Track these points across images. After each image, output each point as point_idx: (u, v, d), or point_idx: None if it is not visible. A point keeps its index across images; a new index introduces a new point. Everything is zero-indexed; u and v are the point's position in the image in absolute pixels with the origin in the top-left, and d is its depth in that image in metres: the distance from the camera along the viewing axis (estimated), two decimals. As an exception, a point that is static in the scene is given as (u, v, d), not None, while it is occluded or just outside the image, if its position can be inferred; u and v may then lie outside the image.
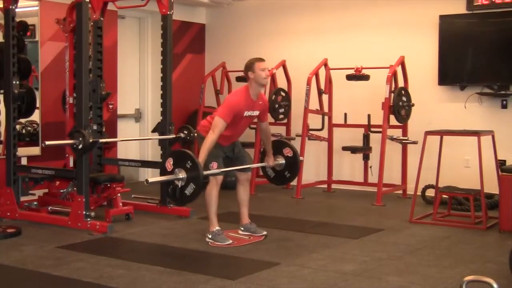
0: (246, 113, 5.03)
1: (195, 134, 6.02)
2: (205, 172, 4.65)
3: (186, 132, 6.25)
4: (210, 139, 4.81)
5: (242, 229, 5.30)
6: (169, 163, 4.61)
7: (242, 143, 5.46)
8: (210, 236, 5.02)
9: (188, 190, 4.56)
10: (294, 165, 5.36)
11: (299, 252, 4.79)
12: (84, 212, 5.45)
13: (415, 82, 7.35)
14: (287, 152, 5.34)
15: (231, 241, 4.99)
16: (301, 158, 5.53)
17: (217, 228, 5.04)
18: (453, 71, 7.36)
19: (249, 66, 5.03)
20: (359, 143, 7.50)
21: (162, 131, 6.23)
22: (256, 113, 5.13)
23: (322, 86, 7.58)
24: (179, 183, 4.56)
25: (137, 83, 8.69)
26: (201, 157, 4.71)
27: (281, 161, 5.35)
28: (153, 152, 8.37)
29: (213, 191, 5.02)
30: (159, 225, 5.77)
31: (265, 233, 5.25)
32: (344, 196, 7.57)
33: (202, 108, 8.41)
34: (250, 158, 5.27)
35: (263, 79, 5.02)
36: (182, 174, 4.55)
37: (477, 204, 5.95)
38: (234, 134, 5.13)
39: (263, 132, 5.34)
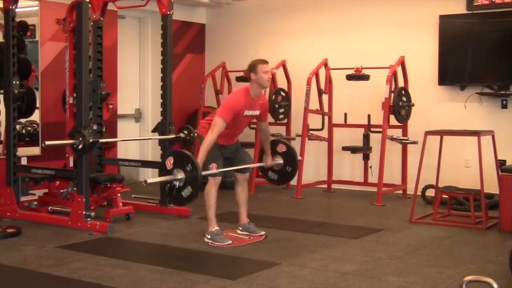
0: (247, 113, 5.03)
1: (195, 135, 6.04)
2: (204, 173, 4.67)
3: (186, 132, 6.24)
4: (209, 138, 4.82)
5: (241, 228, 5.31)
6: (169, 162, 4.62)
7: (242, 143, 5.46)
8: (209, 237, 5.03)
9: (185, 192, 4.58)
10: (291, 158, 5.37)
11: (299, 252, 4.79)
12: (84, 212, 5.44)
13: (415, 82, 7.35)
14: (280, 148, 5.38)
15: (230, 241, 4.99)
16: (299, 157, 5.53)
17: (216, 228, 5.04)
18: (453, 71, 7.36)
19: (252, 67, 5.03)
20: (359, 143, 7.50)
21: (162, 131, 6.23)
22: (257, 112, 5.13)
23: (322, 86, 7.58)
24: (177, 184, 4.57)
25: (137, 83, 8.69)
26: (200, 157, 4.72)
27: (279, 160, 5.37)
28: (153, 152, 8.37)
29: (212, 191, 5.02)
30: (159, 225, 5.77)
31: (263, 233, 5.25)
32: (344, 196, 7.57)
33: (202, 108, 8.41)
34: (249, 157, 5.29)
35: (265, 81, 5.03)
36: (180, 175, 4.56)
37: (477, 204, 5.95)
38: (234, 133, 5.13)
39: (263, 132, 5.34)
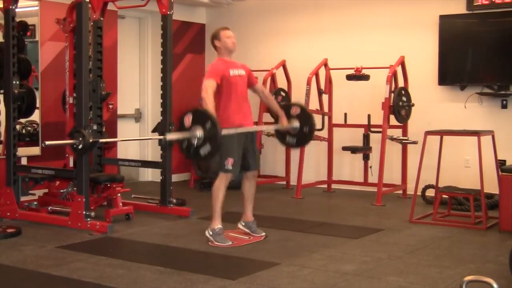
0: (232, 72, 5.01)
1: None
2: (224, 132, 4.55)
3: (186, 132, 6.24)
4: (206, 97, 4.76)
5: (243, 224, 5.26)
6: (188, 119, 4.51)
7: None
8: (210, 233, 4.99)
9: (203, 150, 4.48)
10: (307, 118, 5.30)
11: (299, 252, 4.79)
12: (84, 212, 5.44)
13: (415, 82, 7.35)
14: (295, 110, 5.30)
15: (230, 243, 4.97)
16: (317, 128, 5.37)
17: (219, 226, 4.99)
18: (453, 71, 7.36)
19: (215, 35, 5.12)
20: (359, 143, 7.50)
21: (162, 131, 6.23)
22: (243, 72, 5.11)
23: (322, 86, 7.58)
24: (196, 142, 4.48)
25: (137, 83, 8.69)
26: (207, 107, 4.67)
27: (296, 123, 5.27)
28: (153, 152, 8.37)
29: (221, 186, 4.98)
30: (159, 225, 5.77)
31: (263, 233, 5.24)
32: (344, 196, 7.57)
33: (202, 108, 8.40)
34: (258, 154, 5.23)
35: (231, 45, 5.08)
36: (199, 133, 4.46)
37: (477, 204, 5.95)
38: (238, 100, 5.03)
39: (262, 95, 5.34)
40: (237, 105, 5.03)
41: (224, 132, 4.62)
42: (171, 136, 4.52)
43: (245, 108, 5.12)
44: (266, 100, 5.39)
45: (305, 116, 5.32)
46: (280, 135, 5.47)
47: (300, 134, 5.33)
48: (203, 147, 4.48)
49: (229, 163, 4.92)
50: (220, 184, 4.99)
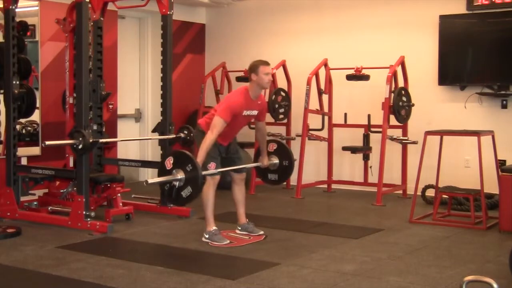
0: (245, 113, 5.04)
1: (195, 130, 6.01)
2: (204, 172, 4.66)
3: (186, 132, 6.25)
4: (209, 139, 4.82)
5: (240, 228, 5.32)
6: (169, 162, 4.62)
7: (241, 143, 5.47)
8: (207, 236, 5.03)
9: (185, 192, 4.57)
10: (284, 152, 5.39)
11: (299, 252, 4.79)
12: (84, 212, 5.44)
13: (415, 82, 7.35)
14: (272, 147, 5.41)
15: (228, 241, 4.99)
16: (295, 158, 5.52)
17: (214, 228, 5.04)
18: (453, 71, 7.36)
19: (254, 68, 5.01)
20: (359, 143, 7.50)
21: (162, 131, 6.23)
22: (255, 112, 5.14)
23: (322, 86, 7.58)
24: (177, 184, 4.56)
25: (137, 83, 8.69)
26: (200, 157, 4.73)
27: (275, 160, 5.39)
28: (153, 152, 8.38)
29: (210, 191, 5.02)
30: (159, 225, 5.77)
31: (262, 232, 5.25)
32: (344, 196, 7.57)
33: (202, 108, 8.40)
34: (248, 156, 5.27)
35: (266, 83, 5.04)
36: (180, 175, 4.55)
37: (477, 204, 5.95)
38: (232, 132, 5.14)
39: (259, 132, 5.35)
40: (230, 132, 5.11)
41: (205, 172, 4.73)
42: (153, 180, 4.61)
43: (235, 132, 5.22)
44: (261, 136, 5.37)
45: (283, 150, 5.40)
46: (261, 173, 5.53)
47: (281, 169, 5.41)
48: (185, 190, 4.56)
49: (212, 167, 4.95)
50: (208, 189, 5.02)
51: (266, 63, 5.04)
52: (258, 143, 5.48)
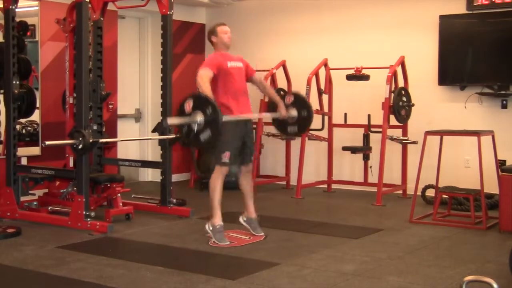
0: (230, 64, 5.04)
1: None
2: (225, 118, 4.53)
3: (186, 132, 6.24)
4: (202, 83, 4.76)
5: (245, 219, 5.27)
6: (189, 105, 4.48)
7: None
8: (211, 229, 5.00)
9: (204, 136, 4.46)
10: (302, 102, 5.33)
11: (299, 252, 4.79)
12: (84, 212, 5.44)
13: (415, 82, 7.35)
14: (288, 99, 5.33)
15: (228, 242, 4.97)
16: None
17: (220, 224, 5.00)
18: (453, 71, 7.36)
19: (212, 30, 5.19)
20: (359, 143, 7.50)
21: (162, 131, 6.23)
22: (240, 64, 5.13)
23: (322, 86, 7.58)
24: (196, 127, 4.45)
25: (137, 83, 8.69)
26: (205, 91, 4.67)
27: (294, 112, 5.28)
28: (153, 152, 8.37)
29: (218, 180, 4.99)
30: (159, 225, 5.77)
31: (262, 233, 5.23)
32: (344, 196, 7.57)
33: (202, 108, 8.39)
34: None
35: (226, 40, 5.12)
36: (200, 118, 4.43)
37: (477, 204, 5.95)
38: (237, 87, 5.04)
39: (260, 85, 5.35)
40: (235, 98, 5.03)
41: (225, 118, 4.60)
42: (172, 120, 4.49)
43: (243, 101, 5.11)
44: (265, 90, 5.41)
45: (300, 101, 5.35)
46: (281, 126, 5.49)
47: (300, 120, 5.34)
48: (203, 133, 4.46)
49: (226, 156, 4.93)
50: (217, 178, 5.00)
51: (222, 23, 5.20)
52: (267, 97, 5.39)
